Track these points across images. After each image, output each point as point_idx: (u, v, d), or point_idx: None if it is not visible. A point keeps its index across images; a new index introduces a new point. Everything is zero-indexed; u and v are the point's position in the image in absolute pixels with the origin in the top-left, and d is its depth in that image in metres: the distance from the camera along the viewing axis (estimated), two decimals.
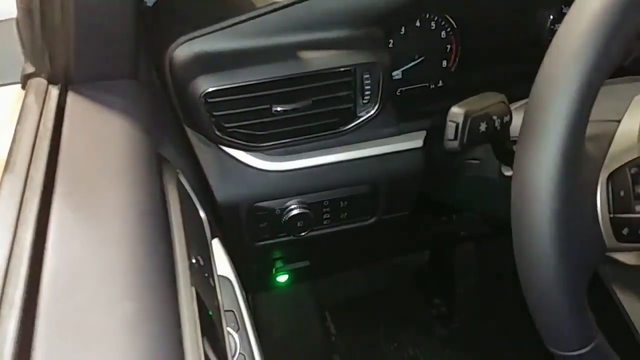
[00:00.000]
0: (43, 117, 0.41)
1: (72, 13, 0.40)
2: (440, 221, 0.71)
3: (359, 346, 0.99)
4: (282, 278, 0.78)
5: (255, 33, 0.49)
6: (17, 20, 0.46)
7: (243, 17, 0.48)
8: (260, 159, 0.56)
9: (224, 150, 0.54)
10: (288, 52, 0.50)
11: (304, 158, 0.57)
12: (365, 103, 0.55)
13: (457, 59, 0.66)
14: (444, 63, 0.66)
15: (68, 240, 0.29)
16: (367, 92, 0.54)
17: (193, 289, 0.34)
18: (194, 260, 0.37)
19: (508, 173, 0.49)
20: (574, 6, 0.33)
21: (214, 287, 0.41)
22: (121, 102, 0.43)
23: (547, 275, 0.33)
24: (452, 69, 0.67)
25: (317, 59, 0.50)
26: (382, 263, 1.03)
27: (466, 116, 0.38)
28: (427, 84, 0.66)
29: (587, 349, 0.36)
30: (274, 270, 0.74)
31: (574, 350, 0.36)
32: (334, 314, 1.03)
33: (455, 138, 0.39)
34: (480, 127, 0.39)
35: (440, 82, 0.67)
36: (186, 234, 0.38)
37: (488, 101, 0.41)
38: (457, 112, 0.39)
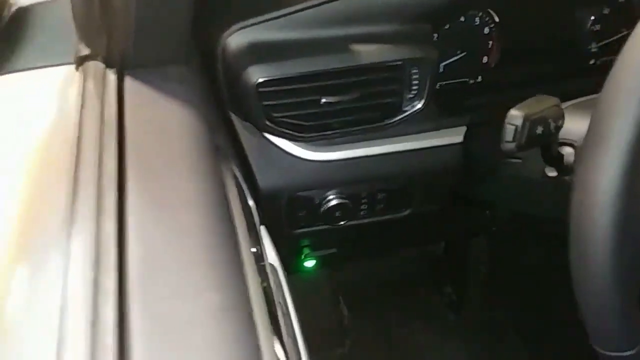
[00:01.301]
0: (105, 102, 0.41)
1: (133, 2, 0.40)
2: (473, 216, 0.72)
3: (371, 331, 1.01)
4: (309, 263, 0.79)
5: (309, 24, 0.49)
6: (72, 1, 0.46)
7: (297, 7, 0.48)
8: (304, 148, 0.56)
9: (268, 138, 0.55)
10: (339, 44, 0.50)
11: (346, 149, 0.57)
12: (411, 97, 0.55)
13: (497, 56, 0.66)
14: (485, 59, 0.66)
15: (147, 230, 0.30)
16: (414, 87, 0.54)
17: (259, 279, 0.34)
18: (254, 250, 0.38)
19: (552, 174, 0.50)
20: None
21: (268, 276, 0.42)
22: (178, 89, 0.44)
23: (602, 276, 0.34)
24: (492, 65, 0.67)
25: (367, 53, 0.50)
26: (398, 252, 1.04)
27: (525, 119, 0.39)
28: (467, 79, 0.66)
29: (634, 351, 0.37)
30: (302, 255, 0.75)
31: (621, 351, 0.36)
32: (348, 299, 1.04)
33: (514, 140, 0.39)
34: (537, 130, 0.40)
35: (480, 77, 0.67)
36: (247, 223, 0.38)
37: (544, 104, 0.41)
38: (516, 114, 0.39)
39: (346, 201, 0.59)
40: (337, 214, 0.60)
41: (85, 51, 0.45)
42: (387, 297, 1.04)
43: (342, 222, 0.61)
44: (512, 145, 0.39)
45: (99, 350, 0.24)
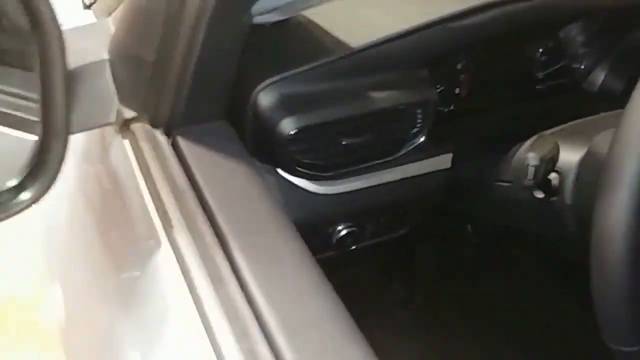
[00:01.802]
0: (168, 164, 0.43)
1: (193, 66, 0.42)
2: (457, 230, 0.80)
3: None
4: None
5: (332, 75, 0.54)
6: (112, 64, 0.47)
7: (321, 62, 0.52)
8: (313, 183, 0.60)
9: (280, 174, 0.58)
10: (357, 92, 0.55)
11: (350, 182, 0.63)
12: (415, 133, 0.61)
13: (468, 87, 0.75)
14: (457, 90, 0.74)
15: (273, 292, 0.33)
16: (418, 124, 0.60)
17: None
18: None
19: (539, 196, 0.58)
20: None
21: None
22: (226, 143, 0.46)
23: (618, 275, 0.42)
24: (463, 95, 0.75)
25: (381, 99, 0.56)
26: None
27: (541, 160, 0.47)
28: (442, 109, 0.74)
29: None
30: None
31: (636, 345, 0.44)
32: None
33: (534, 178, 0.47)
34: (548, 167, 0.48)
35: (452, 106, 0.75)
36: None
37: (549, 144, 0.49)
38: (534, 156, 0.47)
39: (354, 229, 0.65)
40: (348, 240, 0.65)
41: (131, 114, 0.46)
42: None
43: (353, 247, 0.66)
44: (532, 182, 0.47)
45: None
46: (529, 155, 0.47)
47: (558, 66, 0.81)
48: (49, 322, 0.80)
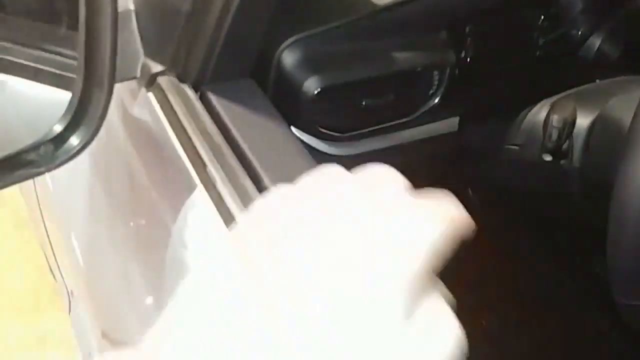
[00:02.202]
0: (199, 117, 0.42)
1: (229, 22, 0.41)
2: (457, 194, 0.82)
3: None
4: None
5: (354, 36, 0.53)
6: (138, 17, 0.45)
7: (346, 20, 0.52)
8: (328, 145, 0.60)
9: (297, 137, 0.58)
10: (380, 53, 0.55)
11: (364, 144, 0.63)
12: (430, 95, 0.62)
13: (471, 51, 0.75)
14: (462, 54, 0.75)
15: None
16: (434, 86, 0.61)
17: None
18: None
19: (548, 159, 0.60)
20: None
21: None
22: (253, 101, 0.46)
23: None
24: (467, 59, 0.76)
25: (402, 60, 0.56)
26: None
27: (565, 123, 0.48)
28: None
29: None
30: None
31: None
32: None
33: (557, 140, 0.48)
34: (569, 130, 0.49)
35: (457, 70, 0.76)
36: None
37: (569, 108, 0.51)
38: (558, 119, 0.48)
39: None
40: None
41: (157, 67, 0.44)
42: None
43: None
44: (554, 145, 0.48)
45: None
46: (553, 117, 0.48)
47: (558, 33, 0.83)
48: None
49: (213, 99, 0.44)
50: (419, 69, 0.57)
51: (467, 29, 0.72)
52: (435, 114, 0.68)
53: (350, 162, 0.65)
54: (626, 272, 0.46)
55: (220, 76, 0.45)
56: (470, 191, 0.83)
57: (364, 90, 0.55)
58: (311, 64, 0.51)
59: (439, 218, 0.21)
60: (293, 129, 0.57)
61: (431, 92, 0.62)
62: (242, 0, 0.40)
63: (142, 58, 0.45)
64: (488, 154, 0.68)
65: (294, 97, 0.52)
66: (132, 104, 0.46)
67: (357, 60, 0.53)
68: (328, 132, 0.56)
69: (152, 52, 0.45)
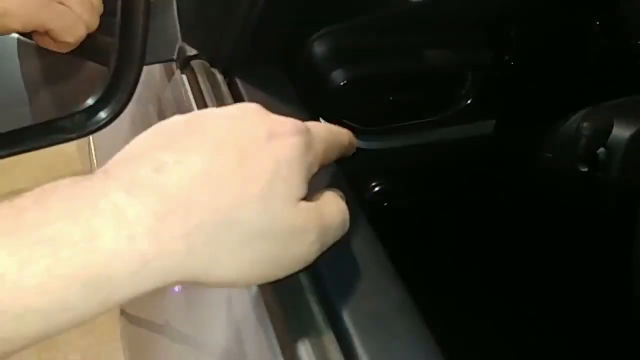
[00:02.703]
0: (225, 102, 0.44)
1: (260, 7, 0.43)
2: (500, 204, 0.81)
3: None
4: None
5: (385, 30, 0.53)
6: (176, 2, 0.48)
7: (382, 13, 0.53)
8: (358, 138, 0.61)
9: None
10: (411, 48, 0.55)
11: (390, 139, 0.63)
12: (461, 96, 0.61)
13: (517, 54, 0.73)
14: (506, 57, 0.73)
15: None
16: (466, 87, 0.60)
17: None
18: None
19: (584, 169, 0.58)
20: None
21: None
22: (279, 87, 0.47)
23: None
24: (511, 62, 0.74)
25: (433, 58, 0.56)
26: None
27: (595, 131, 0.46)
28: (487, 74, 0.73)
29: None
30: None
31: None
32: None
33: (586, 148, 0.46)
34: (601, 140, 0.48)
35: (499, 72, 0.74)
36: None
37: (604, 117, 0.49)
38: (588, 127, 0.46)
39: (388, 186, 0.66)
40: (381, 198, 0.66)
41: (191, 51, 0.47)
42: (414, 277, 1.06)
43: (385, 204, 0.67)
44: (583, 153, 0.47)
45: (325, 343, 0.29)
46: (583, 125, 0.47)
47: (614, 40, 0.79)
48: None
49: (240, 84, 0.46)
50: (451, 67, 0.57)
51: (512, 32, 0.71)
52: (468, 115, 0.67)
53: (374, 157, 0.66)
54: None
55: (249, 62, 0.47)
56: (502, 196, 0.81)
57: (392, 85, 0.56)
58: (340, 56, 0.52)
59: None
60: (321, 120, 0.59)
61: (463, 92, 0.61)
62: None
63: (179, 42, 0.48)
64: (520, 160, 0.66)
65: (320, 87, 0.53)
66: (167, 85, 0.49)
67: (387, 55, 0.54)
68: (354, 125, 0.57)
69: (188, 36, 0.48)
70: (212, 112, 0.29)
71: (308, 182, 0.28)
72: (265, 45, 0.47)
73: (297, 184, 0.27)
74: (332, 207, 0.30)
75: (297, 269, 0.28)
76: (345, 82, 0.53)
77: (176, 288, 0.50)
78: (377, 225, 0.80)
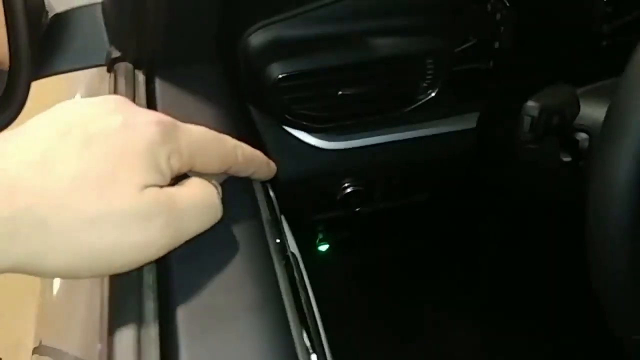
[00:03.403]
0: (136, 102, 0.43)
1: (165, 2, 0.42)
2: (487, 200, 0.74)
3: (382, 311, 1.03)
4: (323, 247, 0.82)
5: (326, 20, 0.50)
6: (103, 5, 0.48)
7: (315, 5, 0.50)
8: (320, 138, 0.58)
9: (286, 130, 0.57)
10: (356, 39, 0.51)
11: (361, 138, 0.60)
12: (425, 86, 0.57)
13: (509, 41, 0.67)
14: (497, 44, 0.67)
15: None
16: (428, 76, 0.56)
17: (285, 270, 0.37)
18: (277, 241, 0.41)
19: (567, 159, 0.51)
20: None
21: (292, 265, 0.44)
22: (206, 87, 0.46)
23: (619, 260, 0.35)
24: (504, 50, 0.68)
25: (382, 46, 0.52)
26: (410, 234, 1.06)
27: (541, 110, 0.40)
28: (479, 65, 0.67)
29: None
30: (317, 240, 0.77)
31: None
32: (357, 279, 1.06)
33: (531, 131, 0.41)
34: (554, 120, 0.41)
35: (492, 62, 0.68)
36: (270, 214, 0.41)
37: (561, 94, 0.42)
38: (533, 106, 0.41)
39: (361, 188, 0.62)
40: (353, 200, 0.62)
41: (117, 53, 0.47)
42: (397, 278, 1.06)
43: (357, 208, 0.63)
44: (529, 136, 0.41)
45: (144, 340, 0.26)
46: (527, 104, 0.41)
47: (629, 18, 0.70)
48: None
49: (158, 85, 0.45)
50: (405, 55, 0.52)
51: (498, 15, 0.64)
52: (448, 108, 0.61)
53: (344, 157, 0.62)
54: (615, 307, 0.37)
55: (173, 61, 0.46)
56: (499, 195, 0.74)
57: (339, 79, 0.52)
58: (277, 49, 0.49)
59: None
60: (285, 127, 0.56)
61: (426, 83, 0.56)
62: None
63: (106, 46, 0.48)
64: (505, 153, 0.60)
65: (259, 82, 0.51)
66: (99, 89, 0.49)
67: (329, 46, 0.50)
68: (301, 122, 0.54)
69: (115, 40, 0.48)
70: (74, 101, 0.28)
71: (165, 173, 0.27)
72: (188, 42, 0.46)
73: (144, 171, 0.26)
74: (191, 191, 0.29)
75: (145, 257, 0.26)
76: (283, 75, 0.50)
77: None
78: (349, 227, 0.75)
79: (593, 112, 0.48)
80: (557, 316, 0.88)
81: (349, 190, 0.62)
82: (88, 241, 0.25)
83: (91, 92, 0.49)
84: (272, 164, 0.39)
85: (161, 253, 0.27)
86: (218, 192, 0.31)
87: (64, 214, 0.24)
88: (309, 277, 0.49)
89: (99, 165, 0.25)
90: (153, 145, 0.27)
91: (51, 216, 0.24)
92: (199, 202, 0.29)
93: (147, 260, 0.27)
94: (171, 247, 0.28)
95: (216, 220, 0.30)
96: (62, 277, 0.26)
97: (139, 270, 0.29)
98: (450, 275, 1.06)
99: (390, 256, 1.09)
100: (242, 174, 0.36)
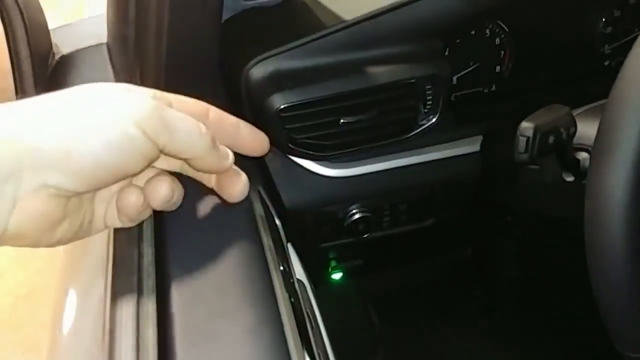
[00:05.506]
0: None
1: (164, 40, 0.44)
2: (495, 221, 0.73)
3: (403, 338, 1.02)
4: (336, 275, 0.81)
5: (325, 50, 0.52)
6: (108, 45, 0.50)
7: (312, 37, 0.51)
8: (325, 166, 0.59)
9: (291, 159, 0.58)
10: (355, 67, 0.52)
11: (366, 165, 0.60)
12: (426, 112, 0.57)
13: (510, 65, 0.68)
14: (498, 68, 0.68)
15: (187, 251, 0.33)
16: (428, 102, 0.56)
17: (287, 295, 0.37)
18: (281, 268, 0.41)
19: (569, 179, 0.51)
20: None
21: (297, 291, 0.44)
22: None
23: (618, 279, 0.35)
24: (506, 74, 0.68)
25: (381, 73, 0.53)
26: (425, 258, 1.05)
27: (536, 130, 0.40)
28: (481, 89, 0.68)
29: None
30: (329, 268, 0.77)
31: None
32: (377, 306, 1.05)
33: (526, 151, 0.41)
34: (549, 140, 0.41)
35: (494, 86, 0.68)
36: (274, 243, 0.41)
37: (555, 114, 0.43)
38: (527, 126, 0.41)
39: (368, 214, 0.62)
40: (361, 226, 0.62)
41: None
42: (416, 303, 1.05)
43: (366, 235, 0.63)
44: (524, 157, 0.41)
45: None
46: (521, 124, 0.41)
47: (629, 38, 0.71)
48: None
49: None
50: (404, 82, 0.53)
51: (498, 39, 0.65)
52: (451, 133, 0.62)
53: (350, 184, 0.62)
54: (617, 325, 0.37)
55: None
56: (509, 218, 0.73)
57: (339, 108, 0.53)
58: (277, 81, 0.51)
59: None
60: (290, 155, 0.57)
61: (427, 109, 0.57)
62: (170, 20, 0.42)
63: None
64: (509, 175, 0.59)
65: (261, 114, 0.52)
66: None
67: (327, 76, 0.51)
68: (304, 151, 0.55)
69: (119, 77, 0.50)
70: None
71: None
72: (194, 78, 0.48)
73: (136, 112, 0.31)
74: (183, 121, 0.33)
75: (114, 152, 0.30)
76: (284, 106, 0.51)
77: None
78: (361, 254, 0.75)
79: (593, 131, 0.48)
80: (581, 336, 0.86)
81: (356, 216, 0.62)
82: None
83: None
84: (262, 135, 0.40)
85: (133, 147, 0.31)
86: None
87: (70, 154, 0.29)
88: (322, 305, 0.49)
89: (95, 115, 0.30)
90: (148, 101, 0.32)
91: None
92: (185, 123, 0.33)
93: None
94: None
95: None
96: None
97: (139, 295, 0.30)
98: (466, 299, 1.04)
99: (405, 282, 1.08)
100: (222, 137, 0.37)
